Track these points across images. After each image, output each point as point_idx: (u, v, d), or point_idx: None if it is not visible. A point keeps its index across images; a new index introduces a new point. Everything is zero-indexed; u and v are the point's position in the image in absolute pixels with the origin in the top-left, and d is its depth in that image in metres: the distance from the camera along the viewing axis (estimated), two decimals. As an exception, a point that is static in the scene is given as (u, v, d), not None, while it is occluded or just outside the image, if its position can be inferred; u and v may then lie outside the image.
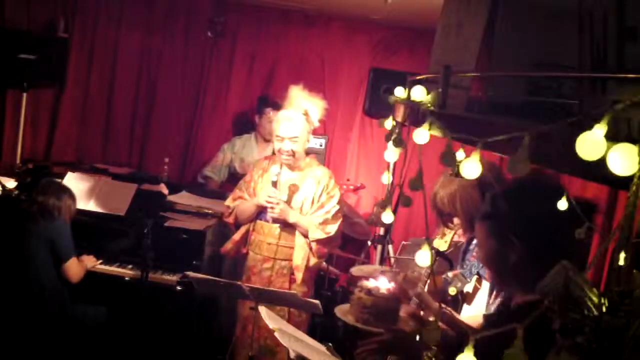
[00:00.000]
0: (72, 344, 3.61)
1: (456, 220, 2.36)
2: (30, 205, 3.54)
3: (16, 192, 4.12)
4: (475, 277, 2.35)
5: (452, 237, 2.77)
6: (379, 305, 2.22)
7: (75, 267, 3.63)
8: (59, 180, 3.97)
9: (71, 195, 3.67)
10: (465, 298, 2.35)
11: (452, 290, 2.33)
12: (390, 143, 1.79)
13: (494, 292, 2.25)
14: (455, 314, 2.26)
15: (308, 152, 3.62)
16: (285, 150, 3.40)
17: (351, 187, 4.86)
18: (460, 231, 2.50)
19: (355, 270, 3.86)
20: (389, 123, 2.01)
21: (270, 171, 3.45)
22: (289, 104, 3.43)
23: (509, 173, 1.04)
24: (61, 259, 3.56)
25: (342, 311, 2.33)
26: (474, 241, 2.48)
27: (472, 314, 2.32)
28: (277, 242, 3.49)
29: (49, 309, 3.51)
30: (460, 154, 1.76)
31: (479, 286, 2.33)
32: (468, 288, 2.35)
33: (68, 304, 3.62)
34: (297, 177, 3.49)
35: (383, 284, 2.28)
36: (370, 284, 2.29)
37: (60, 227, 3.56)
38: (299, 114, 3.37)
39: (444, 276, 2.43)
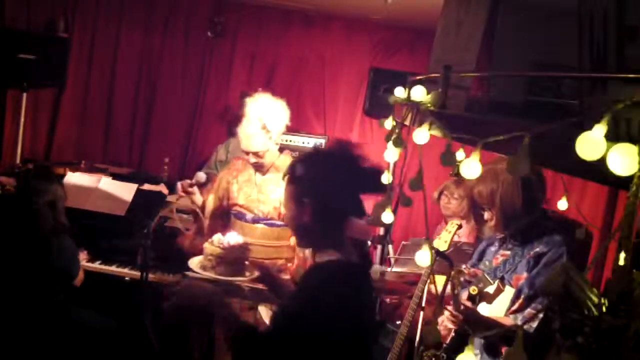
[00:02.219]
0: (73, 347, 3.60)
1: (487, 215, 2.34)
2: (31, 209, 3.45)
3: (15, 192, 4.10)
4: (498, 280, 2.36)
5: (452, 237, 2.77)
6: (226, 256, 2.58)
7: (80, 275, 3.62)
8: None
9: (59, 184, 3.56)
10: (484, 298, 2.35)
11: (473, 290, 2.33)
12: (390, 143, 1.79)
13: (520, 300, 2.24)
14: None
15: (282, 149, 3.55)
16: (252, 162, 3.39)
17: None
18: (461, 231, 2.49)
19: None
20: (389, 123, 2.02)
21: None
22: (246, 117, 3.36)
23: (509, 173, 1.04)
24: (72, 278, 3.54)
25: (194, 262, 2.68)
26: (496, 243, 2.48)
27: (488, 314, 2.32)
28: (257, 242, 3.46)
29: (49, 312, 3.49)
30: (460, 154, 1.76)
31: (502, 288, 2.34)
32: (489, 289, 2.35)
33: (71, 308, 3.58)
34: (271, 178, 3.45)
35: (231, 238, 2.59)
36: (218, 237, 2.63)
37: (64, 250, 3.48)
38: (257, 128, 3.26)
39: (461, 277, 2.44)
